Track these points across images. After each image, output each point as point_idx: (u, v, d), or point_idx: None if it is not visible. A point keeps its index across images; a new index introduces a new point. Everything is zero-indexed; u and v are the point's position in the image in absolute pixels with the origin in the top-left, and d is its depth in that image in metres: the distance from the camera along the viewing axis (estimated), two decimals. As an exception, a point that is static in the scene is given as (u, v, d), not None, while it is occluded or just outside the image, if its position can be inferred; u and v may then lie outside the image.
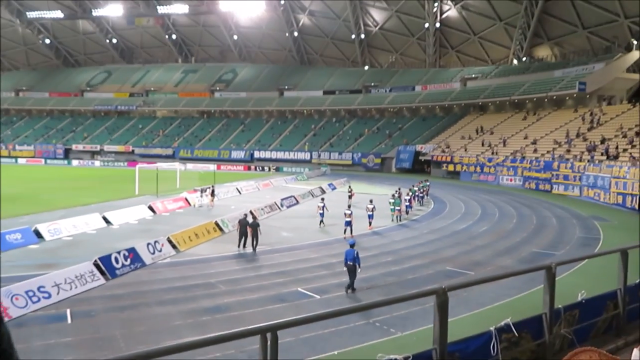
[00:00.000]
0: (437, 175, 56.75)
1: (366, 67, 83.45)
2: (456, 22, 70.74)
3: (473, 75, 70.34)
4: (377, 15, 76.71)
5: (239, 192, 38.89)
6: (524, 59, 66.17)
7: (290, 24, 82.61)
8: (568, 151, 44.08)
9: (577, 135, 46.67)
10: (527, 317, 5.80)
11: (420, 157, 61.73)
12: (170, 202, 30.52)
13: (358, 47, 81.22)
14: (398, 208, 26.85)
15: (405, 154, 63.29)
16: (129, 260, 16.11)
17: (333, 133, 75.12)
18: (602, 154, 39.59)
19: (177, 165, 46.77)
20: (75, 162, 73.74)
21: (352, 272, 14.14)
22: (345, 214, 22.41)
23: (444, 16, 70.79)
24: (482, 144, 55.97)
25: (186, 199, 31.93)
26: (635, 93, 55.39)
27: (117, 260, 15.64)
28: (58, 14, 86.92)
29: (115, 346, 10.43)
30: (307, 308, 12.78)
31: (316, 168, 63.33)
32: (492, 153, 52.70)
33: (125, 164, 69.86)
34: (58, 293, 12.93)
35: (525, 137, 52.50)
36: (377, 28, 78.16)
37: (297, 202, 33.43)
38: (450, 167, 55.78)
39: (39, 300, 12.34)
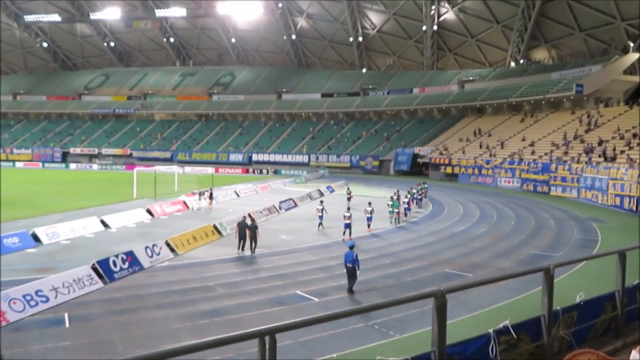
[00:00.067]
0: (435, 178, 56.80)
1: (364, 70, 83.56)
2: (453, 24, 70.92)
3: (471, 78, 70.49)
4: (375, 18, 76.87)
5: (237, 195, 38.87)
6: (521, 61, 66.34)
7: (288, 27, 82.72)
8: (566, 153, 44.18)
9: (575, 137, 46.78)
10: (526, 319, 5.80)
11: (419, 160, 61.82)
12: (168, 205, 30.49)
13: (356, 49, 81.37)
14: (396, 210, 26.87)
15: (404, 157, 63.35)
16: (127, 263, 16.08)
17: (331, 136, 75.17)
18: (599, 156, 39.69)
19: (175, 168, 46.75)
20: (73, 166, 73.62)
21: (351, 274, 14.15)
22: (344, 216, 22.43)
23: (441, 19, 70.97)
24: (480, 146, 56.07)
25: (184, 202, 31.91)
26: (632, 95, 55.59)
27: (115, 264, 15.61)
28: (56, 17, 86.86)
29: (113, 350, 10.40)
30: (306, 311, 12.76)
31: (314, 171, 63.34)
32: (490, 155, 52.78)
33: (123, 167, 69.86)
34: (56, 297, 12.89)
35: (523, 139, 52.60)
36: (374, 31, 78.31)
37: (296, 205, 33.42)
38: (448, 170, 55.84)
39: (36, 304, 12.30)
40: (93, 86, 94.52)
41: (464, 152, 56.61)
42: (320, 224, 24.87)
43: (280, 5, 79.52)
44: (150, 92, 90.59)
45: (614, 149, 39.63)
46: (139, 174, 39.06)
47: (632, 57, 54.17)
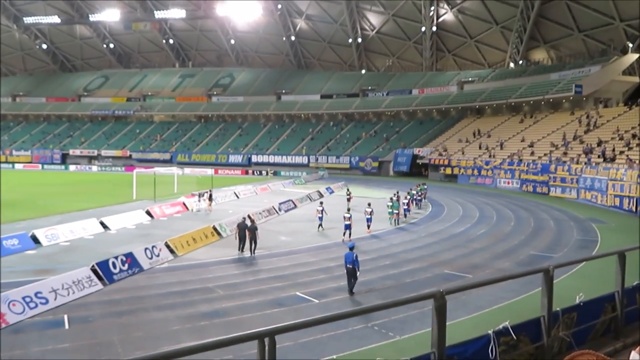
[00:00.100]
0: (435, 179, 56.83)
1: (363, 71, 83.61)
2: (452, 25, 70.98)
3: (470, 79, 70.54)
4: (374, 19, 76.94)
5: (237, 196, 38.86)
6: (520, 62, 66.41)
7: (287, 28, 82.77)
8: (565, 154, 44.21)
9: (574, 138, 46.81)
10: (525, 320, 5.80)
11: (418, 161, 61.85)
12: (167, 206, 30.49)
13: (355, 51, 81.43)
14: (396, 211, 26.87)
15: (403, 158, 63.38)
16: (126, 265, 16.08)
17: (330, 137, 75.19)
18: (599, 157, 39.72)
19: (174, 170, 46.75)
20: (72, 167, 73.62)
21: (351, 274, 14.15)
22: (344, 217, 22.45)
23: (440, 20, 71.04)
24: (480, 147, 56.10)
25: (184, 204, 31.91)
26: (631, 95, 55.65)
27: (114, 266, 15.60)
28: (55, 19, 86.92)
29: (113, 352, 10.39)
30: (306, 312, 12.75)
31: (314, 172, 63.34)
32: (490, 156, 52.81)
33: (123, 168, 69.83)
34: (55, 299, 12.89)
35: (522, 140, 52.63)
36: (373, 32, 78.38)
37: (295, 206, 33.42)
38: (448, 171, 55.86)
39: (36, 306, 12.30)
40: (92, 88, 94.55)
41: (463, 153, 56.63)
42: (320, 225, 24.88)
43: (279, 6, 79.59)
44: (149, 93, 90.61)
45: (614, 150, 39.67)
46: (138, 176, 39.06)
47: (631, 57, 54.23)
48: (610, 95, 55.31)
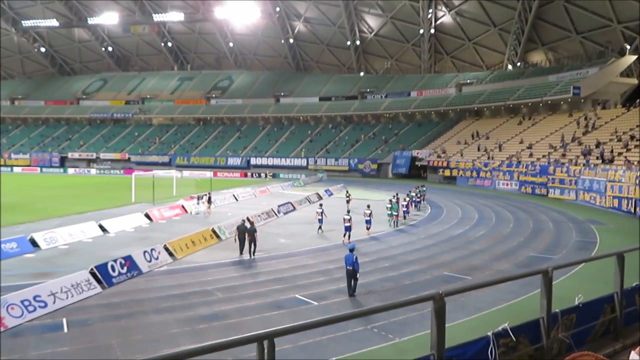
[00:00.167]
0: (434, 181, 56.89)
1: (362, 73, 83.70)
2: (451, 28, 71.13)
3: (468, 81, 70.65)
4: (372, 21, 77.07)
5: (236, 199, 38.83)
6: (518, 64, 66.55)
7: (285, 31, 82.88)
8: (563, 155, 44.26)
9: (573, 140, 46.88)
10: (525, 322, 5.80)
11: (417, 163, 61.88)
12: (166, 209, 30.46)
13: (353, 53, 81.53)
14: (395, 213, 26.87)
15: (402, 160, 63.41)
16: (125, 268, 16.05)
17: (329, 139, 75.23)
18: (597, 158, 39.77)
19: (173, 173, 46.73)
20: (71, 170, 73.51)
21: (351, 276, 14.15)
22: (344, 219, 22.47)
23: (438, 22, 71.18)
24: (478, 149, 56.15)
25: (183, 207, 31.88)
26: (629, 97, 55.80)
27: (113, 269, 15.58)
28: (53, 22, 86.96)
29: (112, 355, 10.37)
30: (305, 315, 12.74)
31: (313, 174, 63.35)
32: (488, 158, 52.86)
33: (122, 171, 69.72)
34: (54, 302, 12.86)
35: (521, 142, 52.70)
36: (372, 34, 78.50)
37: (294, 209, 33.41)
38: (447, 172, 55.89)
39: (35, 309, 12.27)
40: (91, 91, 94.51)
41: (462, 155, 56.67)
42: (320, 227, 24.88)
43: (277, 9, 79.70)
44: (148, 96, 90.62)
45: (612, 151, 39.73)
46: (137, 179, 39.02)
47: (629, 59, 54.35)
48: (608, 97, 55.44)
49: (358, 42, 79.93)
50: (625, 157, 37.16)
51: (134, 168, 66.37)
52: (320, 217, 24.89)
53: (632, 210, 30.02)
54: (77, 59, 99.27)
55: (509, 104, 61.48)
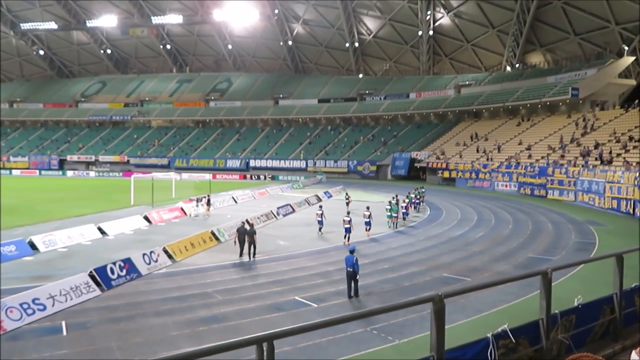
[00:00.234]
0: (433, 182, 56.91)
1: (360, 75, 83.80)
2: (449, 29, 71.24)
3: (467, 82, 70.76)
4: (371, 23, 77.17)
5: (235, 201, 38.83)
6: (516, 65, 66.65)
7: (284, 33, 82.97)
8: (562, 156, 44.31)
9: (571, 141, 46.94)
10: (524, 323, 5.80)
11: (416, 164, 61.93)
12: (165, 212, 30.42)
13: (352, 55, 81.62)
14: (395, 215, 26.88)
15: (401, 161, 63.45)
16: (124, 271, 16.02)
17: (328, 141, 75.26)
18: (596, 159, 39.82)
19: (172, 175, 46.70)
20: (70, 173, 73.44)
21: (351, 277, 14.15)
22: (344, 220, 22.48)
23: (437, 24, 71.29)
24: (477, 150, 56.19)
25: (182, 209, 31.84)
26: (627, 98, 55.89)
27: (112, 271, 15.55)
28: (52, 25, 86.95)
29: (111, 358, 10.35)
30: (305, 317, 12.73)
31: (312, 176, 63.35)
32: (487, 159, 52.90)
33: (121, 174, 69.72)
34: (53, 305, 12.83)
35: (520, 143, 52.75)
36: (370, 36, 78.60)
37: (293, 211, 33.40)
38: (446, 174, 55.92)
39: (33, 312, 12.24)
40: (90, 93, 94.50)
41: (461, 157, 56.72)
42: (320, 229, 24.89)
43: (276, 11, 79.79)
44: (147, 98, 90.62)
45: (611, 152, 39.78)
46: (136, 181, 38.99)
47: (627, 60, 54.45)
48: (607, 98, 55.53)
49: (357, 44, 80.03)
50: (624, 158, 37.21)
51: (132, 170, 66.35)
52: (320, 219, 24.92)
53: (631, 211, 30.05)
54: (75, 62, 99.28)
55: (508, 105, 61.56)
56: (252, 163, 72.86)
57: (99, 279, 14.88)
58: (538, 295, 6.01)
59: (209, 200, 32.18)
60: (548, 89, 57.47)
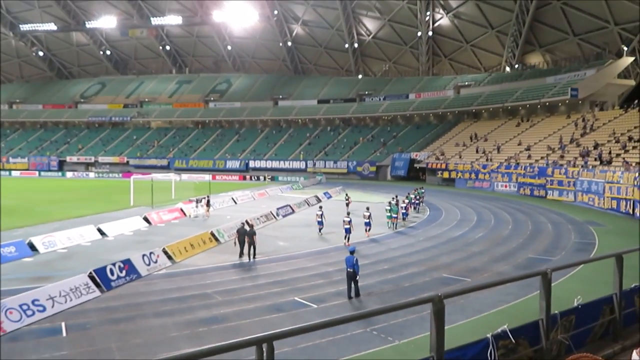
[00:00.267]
0: (432, 183, 56.92)
1: (360, 76, 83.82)
2: (448, 30, 71.28)
3: (466, 83, 70.79)
4: (370, 24, 77.21)
5: (235, 202, 38.82)
6: (516, 66, 66.68)
7: (283, 34, 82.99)
8: (562, 157, 44.34)
9: (571, 141, 46.96)
10: (524, 324, 5.80)
11: (415, 165, 61.94)
12: (165, 212, 30.42)
13: (352, 56, 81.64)
14: (395, 215, 26.88)
15: (400, 162, 63.46)
16: (124, 272, 16.02)
17: (328, 142, 75.27)
18: (595, 159, 39.84)
19: (172, 176, 46.67)
20: (69, 174, 73.46)
21: (351, 278, 14.15)
22: (344, 221, 22.48)
23: (436, 25, 71.32)
24: (477, 151, 56.21)
25: (181, 210, 31.84)
26: (627, 98, 55.95)
27: (112, 272, 15.55)
28: (51, 26, 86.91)
29: (111, 359, 10.34)
30: (304, 317, 12.71)
31: (311, 177, 63.35)
32: (487, 160, 52.92)
33: (120, 175, 69.71)
34: (53, 306, 12.83)
35: (519, 144, 52.78)
36: (370, 37, 78.62)
37: (293, 211, 33.40)
38: (445, 174, 55.93)
39: (33, 313, 12.23)
40: (89, 94, 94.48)
41: (460, 157, 56.73)
42: (320, 229, 24.90)
43: (275, 12, 79.81)
44: (146, 99, 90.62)
45: (610, 153, 39.80)
46: (135, 182, 38.97)
47: (626, 60, 54.51)
48: (606, 99, 55.56)
49: (356, 45, 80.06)
50: (624, 158, 37.23)
51: (132, 171, 66.28)
52: (320, 220, 24.93)
53: (631, 211, 30.06)
54: (75, 63, 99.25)
55: (507, 105, 61.59)
56: (251, 164, 72.86)
57: (98, 280, 14.87)
58: (538, 296, 6.01)
59: (208, 201, 32.17)
60: (547, 90, 57.51)
